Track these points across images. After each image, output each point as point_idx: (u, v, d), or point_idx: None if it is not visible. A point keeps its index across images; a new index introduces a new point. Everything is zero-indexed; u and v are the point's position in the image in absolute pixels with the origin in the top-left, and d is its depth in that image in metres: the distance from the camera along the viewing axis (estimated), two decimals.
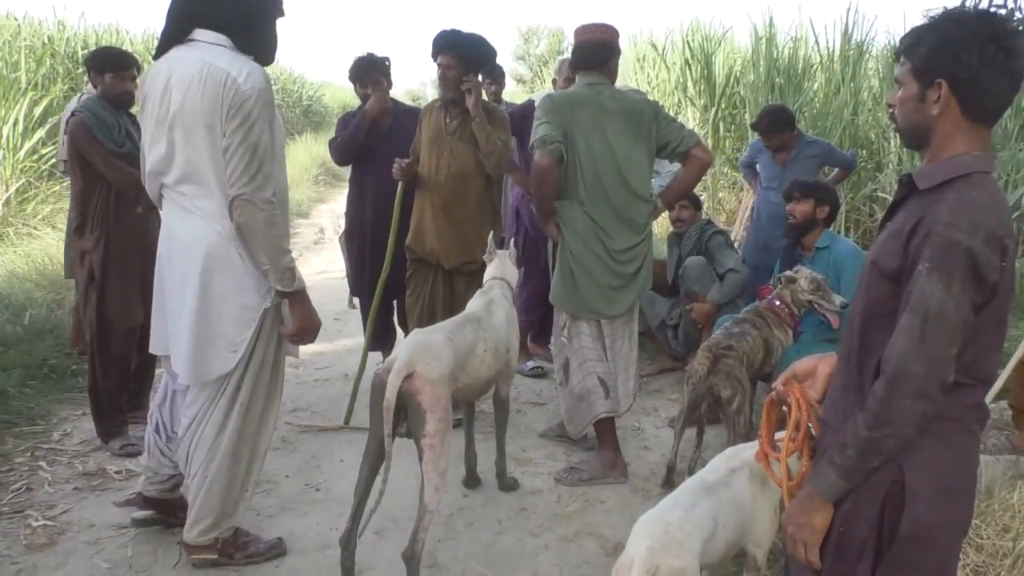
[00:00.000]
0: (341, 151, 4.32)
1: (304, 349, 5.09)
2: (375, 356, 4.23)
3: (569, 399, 3.47)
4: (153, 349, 2.75)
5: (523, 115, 4.34)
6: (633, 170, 3.31)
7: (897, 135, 8.18)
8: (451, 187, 3.74)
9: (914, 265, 1.47)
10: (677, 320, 4.71)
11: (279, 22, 2.61)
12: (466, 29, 3.80)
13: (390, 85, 4.37)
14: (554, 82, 4.82)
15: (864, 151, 8.83)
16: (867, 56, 9.50)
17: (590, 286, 3.34)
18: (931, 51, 1.52)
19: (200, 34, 2.43)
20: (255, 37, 2.50)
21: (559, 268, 3.42)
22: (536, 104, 4.44)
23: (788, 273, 3.62)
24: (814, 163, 5.05)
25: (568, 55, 4.44)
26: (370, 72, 4.29)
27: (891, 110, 1.65)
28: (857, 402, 1.56)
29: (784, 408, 1.89)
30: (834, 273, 3.73)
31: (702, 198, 6.13)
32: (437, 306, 3.84)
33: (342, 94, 26.65)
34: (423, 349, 2.61)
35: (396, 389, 2.47)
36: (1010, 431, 3.94)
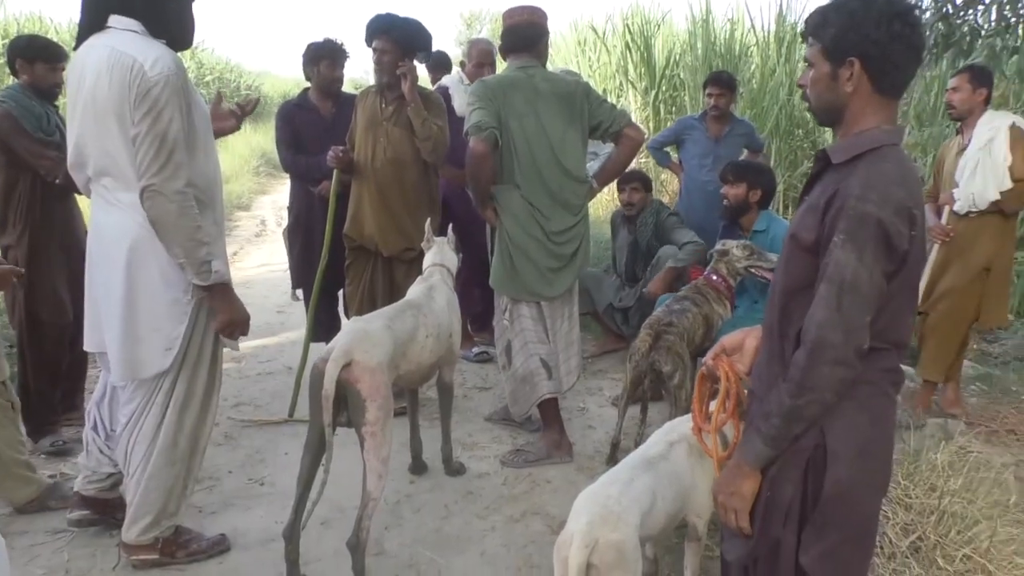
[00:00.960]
0: (289, 171, 4.36)
1: (246, 343, 5.07)
2: (319, 348, 4.17)
3: (512, 382, 3.49)
4: (88, 346, 2.67)
5: None
6: (568, 152, 3.33)
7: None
8: (388, 173, 3.70)
9: (830, 237, 1.51)
10: (629, 302, 4.71)
11: (196, 5, 2.54)
12: (403, 14, 3.76)
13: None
14: (462, 65, 4.72)
15: (800, 130, 9.04)
16: (801, 38, 9.68)
17: (529, 269, 3.36)
18: (840, 31, 1.56)
19: (114, 20, 2.36)
20: (167, 21, 2.43)
21: (498, 252, 3.43)
22: (450, 89, 4.44)
23: (719, 247, 3.70)
24: (742, 141, 5.20)
25: (477, 36, 4.43)
26: (340, 55, 4.26)
27: (803, 90, 1.70)
28: (781, 372, 1.61)
29: (715, 382, 1.94)
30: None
31: None
32: (377, 294, 3.82)
33: (282, 84, 26.16)
34: (361, 337, 2.59)
35: (335, 378, 2.45)
36: (937, 395, 4.10)
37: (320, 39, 4.34)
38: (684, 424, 2.35)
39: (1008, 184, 3.57)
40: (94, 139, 2.37)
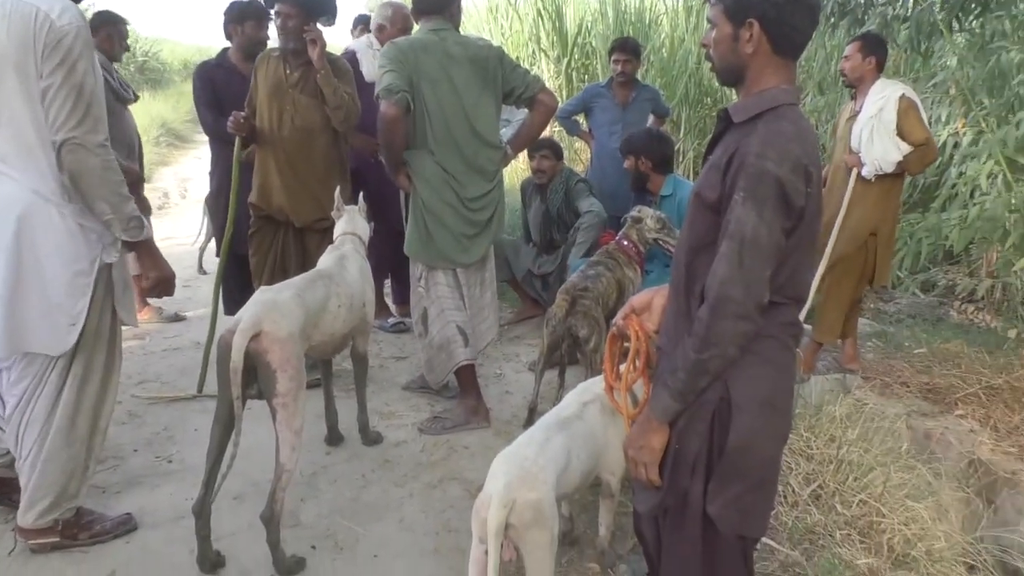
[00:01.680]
0: (212, 133, 4.18)
1: (151, 320, 4.88)
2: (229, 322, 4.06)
3: (429, 350, 3.47)
4: None
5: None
6: (481, 117, 3.30)
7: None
8: (296, 142, 3.58)
9: (731, 195, 1.55)
10: (548, 269, 4.72)
11: None
12: None
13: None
14: (381, 28, 4.58)
15: (708, 99, 9.23)
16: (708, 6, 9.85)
17: (444, 235, 3.33)
18: None
19: None
20: None
21: (412, 219, 3.38)
22: (359, 54, 4.29)
23: (634, 213, 3.76)
24: (649, 106, 5.31)
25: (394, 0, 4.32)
26: (265, 14, 4.06)
27: (706, 50, 1.73)
28: (687, 328, 1.65)
29: (626, 342, 1.97)
30: (679, 217, 3.87)
31: None
32: (289, 265, 3.71)
33: (182, 49, 24.99)
34: (270, 307, 2.51)
35: (243, 349, 2.38)
36: (836, 352, 4.30)
37: None
38: (597, 384, 2.39)
39: (906, 147, 3.72)
40: None
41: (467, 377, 3.49)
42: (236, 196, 3.73)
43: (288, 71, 3.58)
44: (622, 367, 2.07)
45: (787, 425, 1.74)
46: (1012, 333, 3.89)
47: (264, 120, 3.60)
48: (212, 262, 5.17)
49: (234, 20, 4.11)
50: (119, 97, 4.31)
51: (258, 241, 3.76)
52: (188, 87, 16.65)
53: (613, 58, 5.13)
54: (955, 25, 4.49)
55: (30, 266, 2.31)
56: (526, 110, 3.53)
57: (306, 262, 3.67)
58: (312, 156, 3.64)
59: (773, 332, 1.64)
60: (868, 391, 3.72)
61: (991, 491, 3.24)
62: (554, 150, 4.69)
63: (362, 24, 5.92)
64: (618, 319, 1.95)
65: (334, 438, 3.34)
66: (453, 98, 3.22)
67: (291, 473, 2.46)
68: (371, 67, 4.26)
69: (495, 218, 3.46)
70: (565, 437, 2.19)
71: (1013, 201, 3.86)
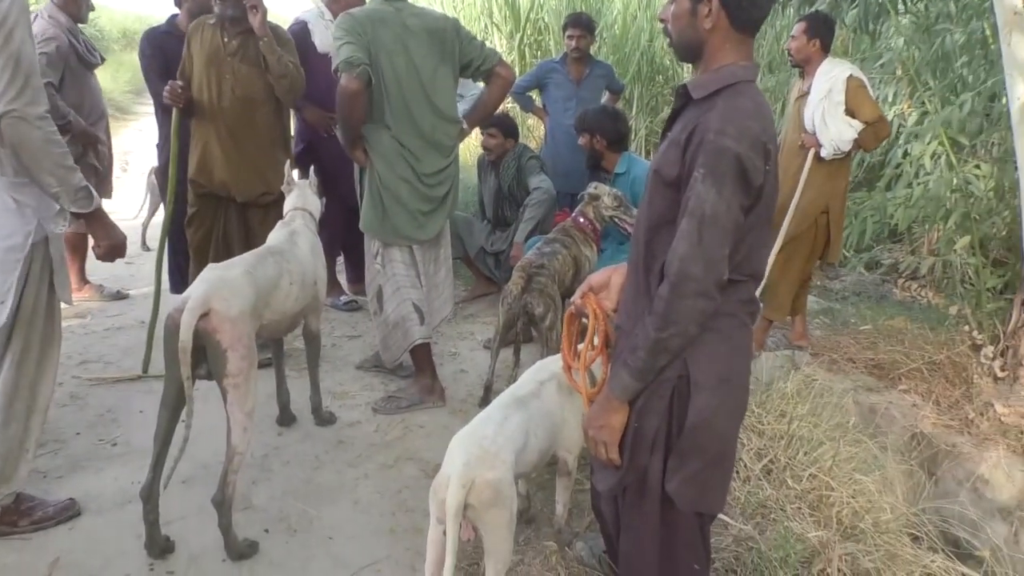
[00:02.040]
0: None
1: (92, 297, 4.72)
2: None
3: (384, 328, 3.42)
4: None
5: (296, 35, 4.09)
6: (439, 91, 3.23)
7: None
8: (238, 113, 3.46)
9: (691, 172, 1.54)
10: (501, 246, 4.68)
11: None
12: None
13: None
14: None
15: (660, 76, 9.27)
16: None
17: (400, 212, 3.27)
18: None
19: None
20: None
21: (368, 195, 3.31)
22: (310, 24, 4.15)
23: (591, 190, 3.75)
24: (603, 83, 5.30)
25: None
26: None
27: (664, 25, 1.71)
28: (647, 306, 1.64)
29: (584, 320, 1.96)
30: (633, 195, 3.87)
31: None
32: (233, 242, 3.61)
33: (121, 18, 24.04)
34: (219, 285, 2.44)
35: (191, 328, 2.30)
36: (786, 329, 4.38)
37: None
38: (554, 363, 2.38)
39: (858, 124, 3.77)
40: None
41: (422, 356, 3.46)
42: (176, 170, 3.60)
43: (226, 39, 3.44)
44: (580, 346, 2.07)
45: (744, 401, 1.76)
46: (953, 310, 4.01)
47: (202, 91, 3.46)
48: (155, 238, 5.01)
49: None
50: (84, 61, 4.13)
51: (199, 219, 3.64)
52: (128, 57, 16.06)
53: (567, 33, 5.09)
54: (901, 6, 4.57)
55: None
56: (481, 84, 3.48)
57: (249, 239, 3.58)
58: (255, 127, 3.52)
59: (731, 310, 1.65)
60: (817, 367, 3.79)
61: (933, 463, 3.36)
62: (503, 128, 4.60)
63: None
64: (576, 298, 1.94)
65: (286, 418, 3.28)
66: (410, 71, 3.14)
67: (243, 456, 2.41)
68: (324, 38, 4.15)
69: (451, 194, 3.42)
70: (522, 416, 2.18)
71: (955, 181, 3.96)
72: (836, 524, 2.45)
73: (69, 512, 2.58)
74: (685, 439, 1.65)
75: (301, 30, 4.15)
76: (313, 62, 4.10)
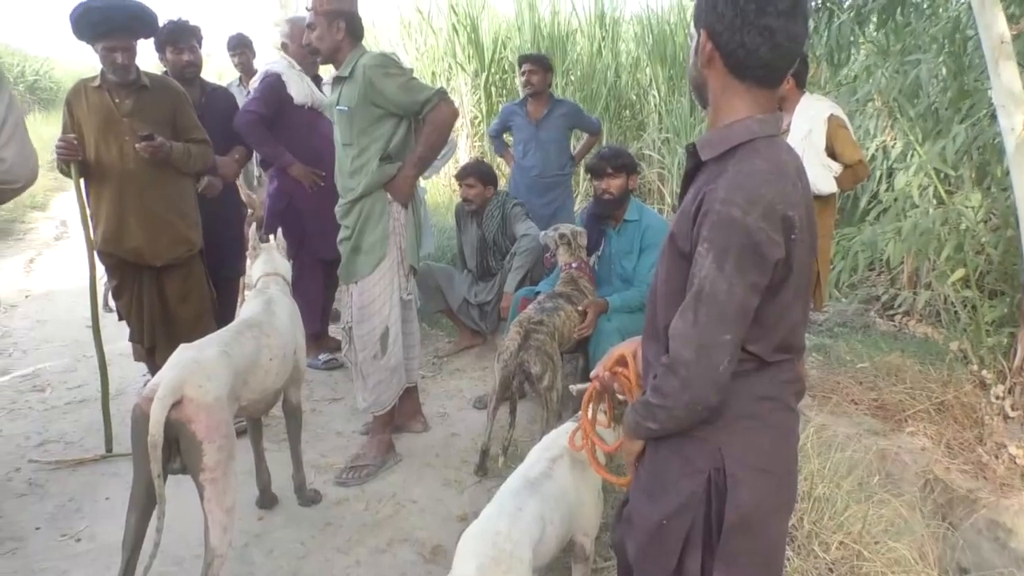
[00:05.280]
0: None
1: (52, 367, 4.44)
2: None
3: (383, 372, 3.25)
4: None
5: (271, 87, 3.99)
6: None
7: (657, 95, 8.67)
8: (145, 174, 3.24)
9: (696, 246, 1.37)
10: (486, 297, 4.48)
11: None
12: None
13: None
14: (284, 47, 4.22)
15: (627, 112, 9.25)
16: (622, 21, 9.91)
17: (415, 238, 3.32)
18: (700, 0, 1.42)
19: None
20: None
21: (408, 227, 3.22)
22: (283, 76, 4.04)
23: (563, 231, 3.68)
24: (565, 122, 5.13)
25: (294, 15, 4.10)
26: (184, 36, 3.81)
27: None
28: None
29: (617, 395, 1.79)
30: (638, 245, 3.69)
31: None
32: (147, 310, 3.42)
33: (76, 71, 23.63)
34: (193, 368, 2.21)
35: (162, 420, 2.08)
36: None
37: (167, 20, 3.83)
38: (563, 437, 2.20)
39: (837, 168, 3.69)
40: None
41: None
42: (89, 231, 3.36)
43: (117, 100, 3.24)
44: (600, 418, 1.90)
45: (791, 496, 1.57)
46: (954, 346, 3.90)
47: (100, 156, 3.22)
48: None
49: (157, 48, 3.90)
50: None
51: (121, 289, 3.46)
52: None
53: (520, 70, 5.06)
54: (860, 36, 4.53)
55: None
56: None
57: (165, 305, 3.42)
58: (165, 185, 3.32)
59: (773, 393, 1.48)
60: (819, 411, 3.65)
61: (949, 509, 3.21)
62: (481, 176, 4.41)
63: (243, 47, 5.53)
64: (601, 373, 1.75)
65: (267, 500, 3.02)
66: None
67: (223, 558, 2.18)
68: (300, 89, 4.02)
69: None
70: (537, 502, 2.00)
71: (947, 216, 3.88)
72: None
73: None
74: (726, 541, 1.45)
75: (275, 82, 3.98)
76: (292, 116, 3.95)
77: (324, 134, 3.98)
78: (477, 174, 4.41)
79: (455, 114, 3.10)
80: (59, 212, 9.75)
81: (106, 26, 3.10)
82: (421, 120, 3.06)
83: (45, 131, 13.45)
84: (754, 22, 1.35)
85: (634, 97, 9.30)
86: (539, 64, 4.97)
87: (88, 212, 3.35)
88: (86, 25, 3.12)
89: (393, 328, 3.23)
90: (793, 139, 3.73)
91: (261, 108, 3.92)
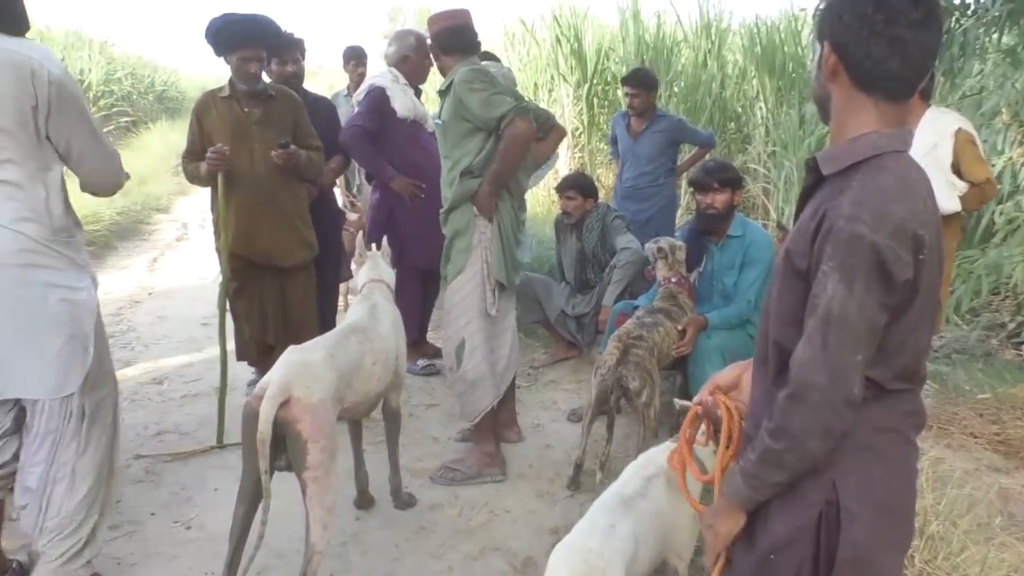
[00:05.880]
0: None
1: (170, 362, 4.70)
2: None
3: (461, 384, 3.29)
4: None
5: (376, 101, 4.11)
6: None
7: (764, 107, 8.43)
8: (276, 180, 3.50)
9: (819, 265, 1.31)
10: (583, 309, 4.45)
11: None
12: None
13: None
14: (406, 58, 4.28)
15: (732, 124, 9.03)
16: (729, 31, 9.71)
17: (512, 257, 3.31)
18: (824, 10, 1.37)
19: None
20: None
21: (498, 243, 3.23)
22: (388, 90, 4.14)
23: (662, 245, 3.64)
24: (663, 137, 5.04)
25: (413, 27, 4.18)
26: (289, 49, 4.01)
27: None
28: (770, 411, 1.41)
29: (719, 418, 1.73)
30: (740, 261, 3.58)
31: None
32: (269, 309, 3.65)
33: (202, 80, 25.07)
34: (300, 370, 2.30)
35: (271, 419, 2.16)
36: None
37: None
38: (660, 455, 2.16)
39: (962, 186, 3.50)
40: None
41: (486, 422, 3.30)
42: (228, 233, 3.52)
43: (246, 109, 3.50)
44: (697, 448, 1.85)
45: (908, 532, 1.48)
46: None
47: (232, 163, 3.42)
48: None
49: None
50: None
51: (243, 291, 3.67)
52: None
53: (624, 91, 5.03)
54: (988, 44, 4.27)
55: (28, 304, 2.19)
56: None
57: (286, 306, 3.65)
58: (292, 190, 3.59)
59: (892, 424, 1.40)
60: (933, 443, 3.45)
61: None
62: (581, 189, 4.39)
63: (355, 59, 5.72)
64: (703, 397, 1.71)
65: (365, 502, 3.10)
66: None
67: (323, 555, 2.25)
68: (403, 102, 4.12)
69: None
70: (631, 521, 1.97)
71: None
72: None
73: None
74: None
75: (379, 96, 4.10)
76: (395, 128, 4.05)
77: (425, 147, 4.08)
78: (577, 187, 4.40)
79: (530, 131, 3.05)
80: (181, 214, 10.32)
81: (243, 37, 3.37)
82: (500, 135, 3.07)
83: (171, 137, 14.34)
84: (883, 32, 1.29)
85: (740, 109, 9.08)
86: (641, 87, 4.95)
87: (227, 218, 3.53)
88: (226, 36, 3.37)
89: (470, 341, 3.23)
90: (916, 154, 3.52)
91: (366, 122, 4.05)
